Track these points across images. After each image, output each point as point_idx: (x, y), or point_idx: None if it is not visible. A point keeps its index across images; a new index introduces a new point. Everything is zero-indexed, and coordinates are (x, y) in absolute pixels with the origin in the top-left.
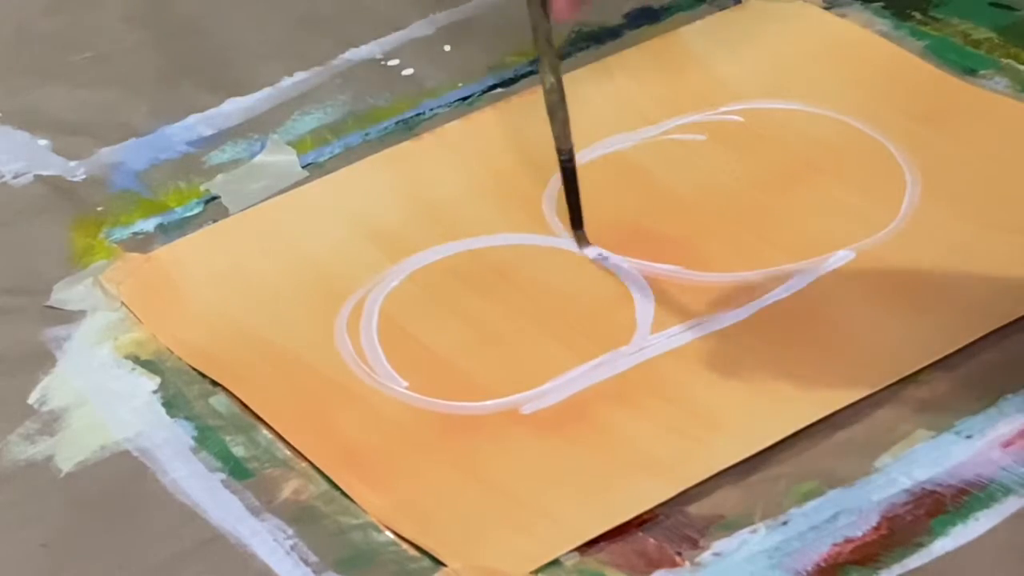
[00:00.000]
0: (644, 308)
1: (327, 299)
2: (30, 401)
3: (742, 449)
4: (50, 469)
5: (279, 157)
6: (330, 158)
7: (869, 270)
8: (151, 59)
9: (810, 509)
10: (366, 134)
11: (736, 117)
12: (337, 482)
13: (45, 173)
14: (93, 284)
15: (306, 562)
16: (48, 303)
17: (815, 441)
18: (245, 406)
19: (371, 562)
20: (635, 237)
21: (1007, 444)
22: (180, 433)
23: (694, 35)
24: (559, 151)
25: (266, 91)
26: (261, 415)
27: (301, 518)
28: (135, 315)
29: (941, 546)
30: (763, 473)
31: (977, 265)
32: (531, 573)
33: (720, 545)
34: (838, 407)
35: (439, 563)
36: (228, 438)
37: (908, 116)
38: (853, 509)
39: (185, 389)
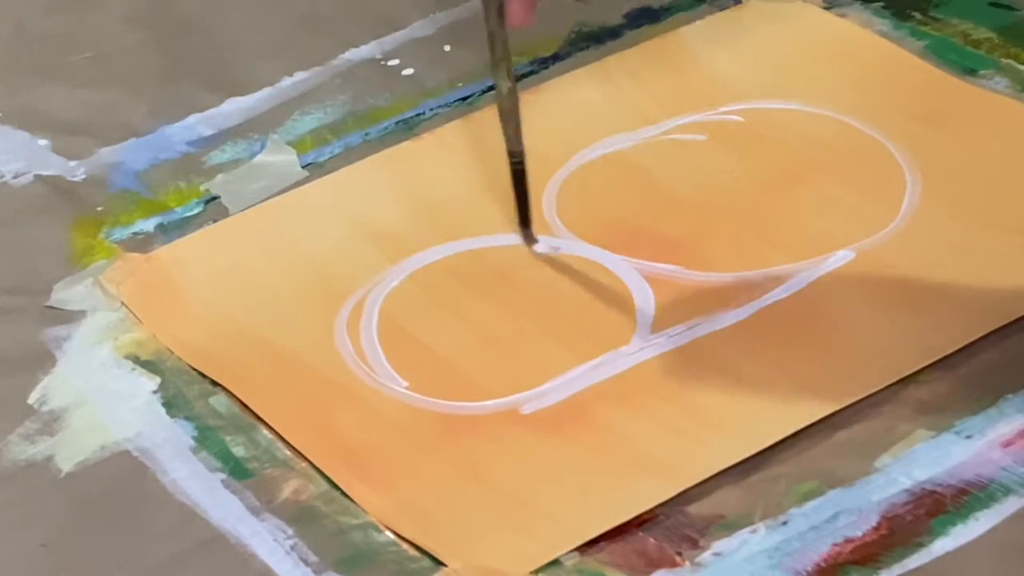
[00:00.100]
0: (644, 308)
1: (327, 299)
2: (30, 401)
3: (742, 449)
4: (50, 469)
5: (279, 157)
6: (330, 158)
7: (869, 270)
8: (151, 59)
9: (810, 509)
10: (366, 134)
11: (736, 117)
12: (337, 482)
13: (45, 173)
14: (93, 284)
15: (306, 562)
16: (48, 303)
17: (815, 441)
18: (245, 406)
19: (371, 562)
20: (635, 237)
21: (1007, 444)
22: (180, 433)
23: (694, 35)
24: (511, 153)
25: (266, 91)
26: (261, 415)
27: (301, 518)
28: (135, 315)
29: (941, 546)
30: (763, 473)
31: (977, 265)
32: (531, 573)
33: (720, 545)
34: (838, 407)
35: (439, 563)
36: (228, 438)
37: (908, 116)
38: (853, 509)
39: (185, 389)
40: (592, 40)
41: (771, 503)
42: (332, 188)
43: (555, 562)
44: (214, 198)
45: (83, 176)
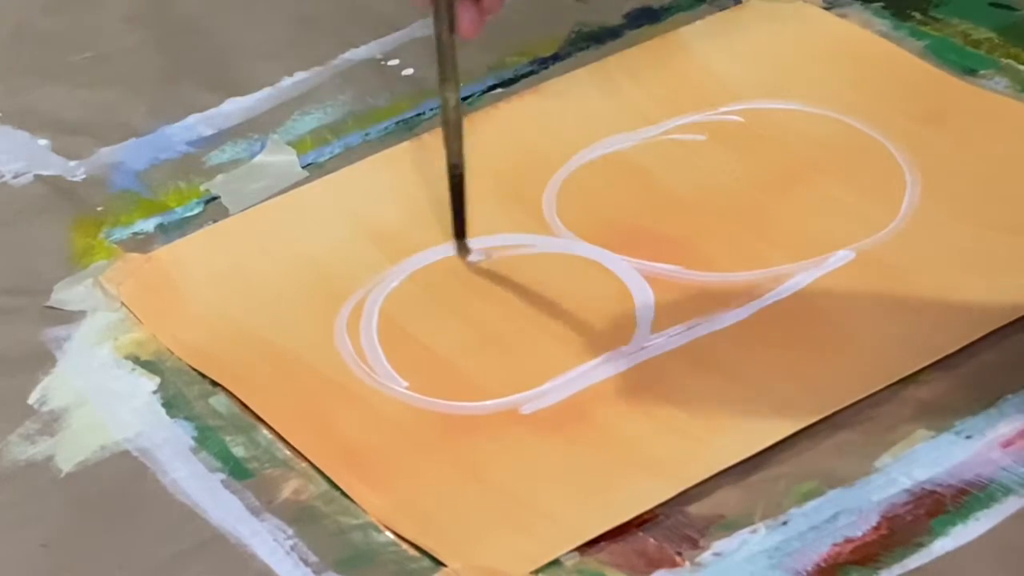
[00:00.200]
0: (644, 308)
1: (327, 299)
2: (30, 401)
3: (742, 449)
4: (50, 469)
5: (279, 157)
6: (330, 158)
7: (869, 270)
8: (151, 59)
9: (810, 509)
10: (366, 134)
11: (736, 117)
12: (337, 482)
13: (45, 173)
14: (93, 284)
15: (306, 562)
16: (48, 303)
17: (815, 441)
18: (245, 406)
19: (371, 562)
20: (635, 237)
21: (1007, 444)
22: (180, 433)
23: (694, 35)
24: (451, 165)
25: (266, 91)
26: (261, 415)
27: (301, 518)
28: (135, 315)
29: (941, 546)
30: (763, 473)
31: (977, 265)
32: (531, 573)
33: (720, 545)
34: (838, 407)
35: (439, 563)
36: (228, 438)
37: (908, 116)
38: (853, 509)
39: (185, 389)
40: (592, 40)
41: (771, 503)
42: (332, 188)
43: (555, 562)
44: (214, 198)
45: (83, 176)
